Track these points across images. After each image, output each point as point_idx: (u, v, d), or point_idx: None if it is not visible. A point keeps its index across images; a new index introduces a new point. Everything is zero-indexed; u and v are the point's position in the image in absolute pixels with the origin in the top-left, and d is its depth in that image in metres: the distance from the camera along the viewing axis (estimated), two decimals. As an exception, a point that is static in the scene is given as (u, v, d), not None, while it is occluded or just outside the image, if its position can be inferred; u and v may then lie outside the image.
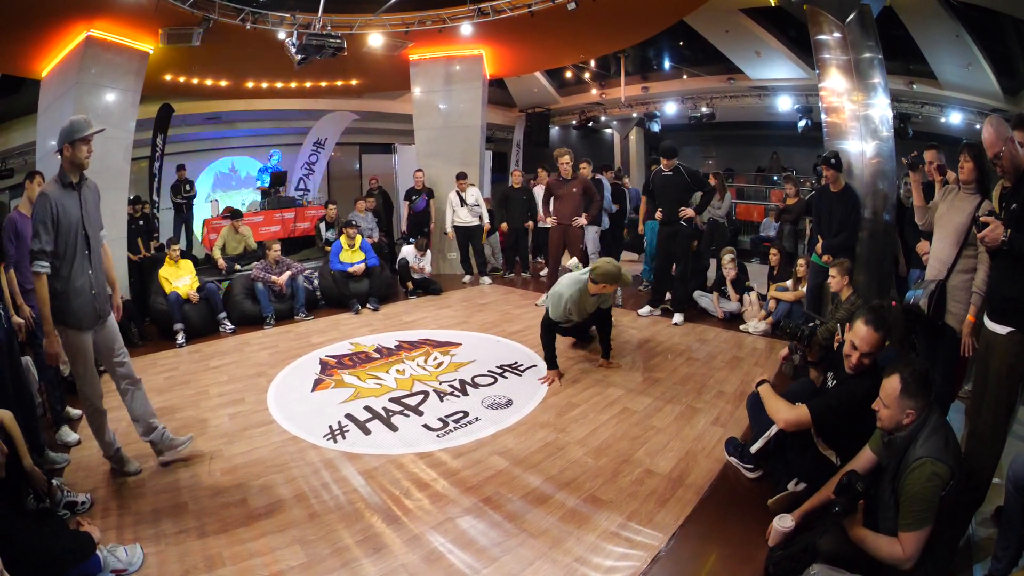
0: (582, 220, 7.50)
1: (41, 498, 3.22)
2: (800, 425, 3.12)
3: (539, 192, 9.36)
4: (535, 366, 5.69)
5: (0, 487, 2.80)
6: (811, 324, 3.73)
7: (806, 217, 7.34)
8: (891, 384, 2.50)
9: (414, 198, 10.10)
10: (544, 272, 9.84)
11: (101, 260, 3.75)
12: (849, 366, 3.06)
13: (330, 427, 4.46)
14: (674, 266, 7.14)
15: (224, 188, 15.36)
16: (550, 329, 5.38)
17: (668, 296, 7.47)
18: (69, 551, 2.69)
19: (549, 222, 7.85)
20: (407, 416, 4.62)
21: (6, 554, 2.40)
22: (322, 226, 9.61)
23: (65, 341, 3.57)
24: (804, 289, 6.27)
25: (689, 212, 6.74)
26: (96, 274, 3.64)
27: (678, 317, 7.10)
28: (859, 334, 2.98)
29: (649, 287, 8.49)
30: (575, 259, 7.59)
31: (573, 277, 5.33)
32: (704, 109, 14.74)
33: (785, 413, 3.20)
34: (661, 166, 6.89)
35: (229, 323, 7.30)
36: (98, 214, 3.74)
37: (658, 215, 6.95)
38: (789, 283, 6.64)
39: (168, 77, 10.43)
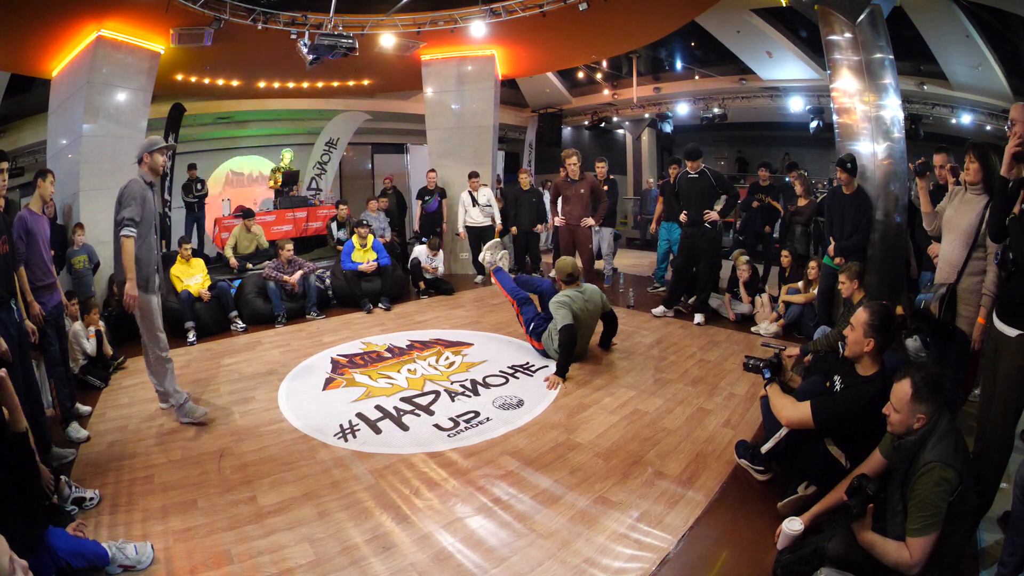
0: (590, 221, 7.49)
1: (47, 495, 3.24)
2: (802, 424, 3.09)
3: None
4: (546, 366, 5.68)
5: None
6: (774, 357, 3.67)
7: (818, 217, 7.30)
8: (902, 388, 2.49)
9: (427, 198, 10.11)
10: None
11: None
12: (847, 348, 3.11)
13: (341, 426, 4.47)
14: (694, 268, 7.14)
15: (235, 187, 15.41)
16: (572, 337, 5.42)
17: (683, 298, 7.47)
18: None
19: (557, 222, 7.84)
20: (418, 416, 4.63)
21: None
22: (334, 225, 9.65)
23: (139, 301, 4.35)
24: (816, 291, 6.24)
25: (713, 215, 6.73)
26: (158, 255, 4.57)
27: (699, 317, 7.11)
28: (859, 317, 3.02)
29: (659, 288, 8.49)
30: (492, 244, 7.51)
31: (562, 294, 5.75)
32: (716, 110, 14.67)
33: (788, 411, 3.19)
34: (687, 168, 6.88)
35: (241, 321, 7.34)
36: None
37: (683, 217, 6.95)
38: (800, 285, 6.61)
39: (179, 77, 10.49)
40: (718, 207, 6.87)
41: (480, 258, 7.43)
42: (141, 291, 4.31)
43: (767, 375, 3.56)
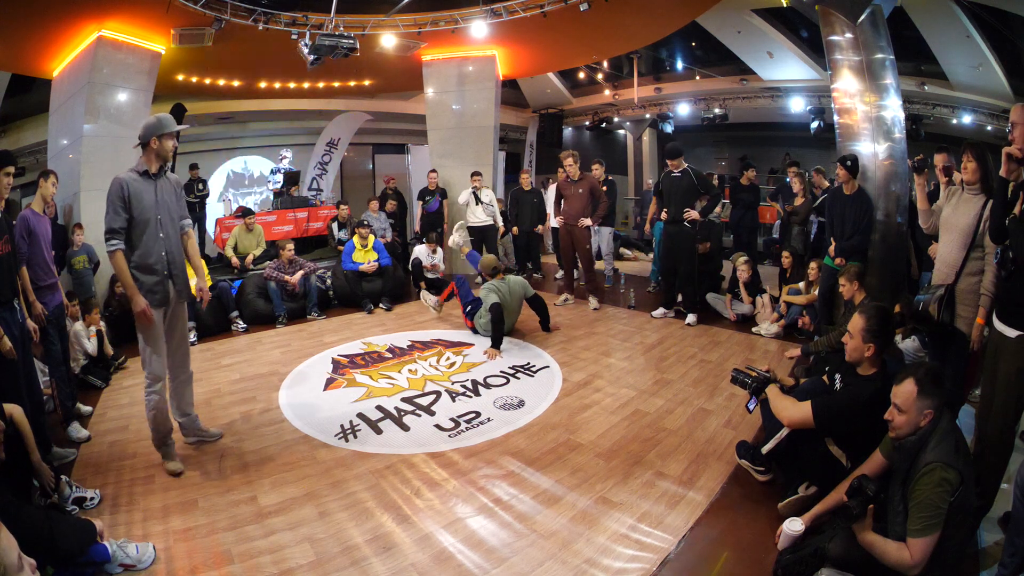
0: (587, 221, 7.49)
1: (48, 494, 3.25)
2: (803, 424, 3.09)
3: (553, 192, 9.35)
4: (547, 367, 5.69)
5: (8, 482, 2.83)
6: (763, 373, 3.65)
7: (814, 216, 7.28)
8: (907, 388, 2.47)
9: (428, 198, 10.11)
10: (559, 274, 9.83)
11: (180, 245, 4.10)
12: (847, 355, 3.10)
13: (342, 426, 4.48)
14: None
15: (237, 187, 15.43)
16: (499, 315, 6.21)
17: (679, 297, 7.47)
18: (68, 536, 2.71)
19: (556, 222, 7.88)
20: (419, 416, 4.64)
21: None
22: (335, 226, 9.64)
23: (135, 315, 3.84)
24: (816, 292, 6.23)
25: (693, 214, 6.73)
26: (172, 256, 3.99)
27: (691, 317, 7.10)
28: (855, 324, 3.01)
29: (658, 288, 8.49)
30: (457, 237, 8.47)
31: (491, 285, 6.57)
32: (717, 110, 14.66)
33: (789, 412, 3.18)
34: (669, 167, 6.91)
35: (241, 322, 7.35)
36: (177, 204, 4.07)
37: (663, 215, 6.98)
38: (801, 286, 6.60)
39: (180, 77, 10.49)
40: (700, 205, 6.92)
41: (451, 241, 7.78)
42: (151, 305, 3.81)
43: (751, 407, 3.59)
